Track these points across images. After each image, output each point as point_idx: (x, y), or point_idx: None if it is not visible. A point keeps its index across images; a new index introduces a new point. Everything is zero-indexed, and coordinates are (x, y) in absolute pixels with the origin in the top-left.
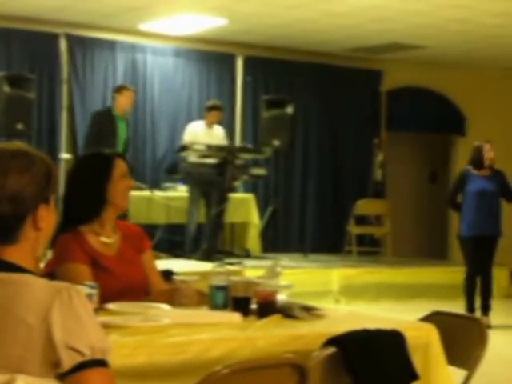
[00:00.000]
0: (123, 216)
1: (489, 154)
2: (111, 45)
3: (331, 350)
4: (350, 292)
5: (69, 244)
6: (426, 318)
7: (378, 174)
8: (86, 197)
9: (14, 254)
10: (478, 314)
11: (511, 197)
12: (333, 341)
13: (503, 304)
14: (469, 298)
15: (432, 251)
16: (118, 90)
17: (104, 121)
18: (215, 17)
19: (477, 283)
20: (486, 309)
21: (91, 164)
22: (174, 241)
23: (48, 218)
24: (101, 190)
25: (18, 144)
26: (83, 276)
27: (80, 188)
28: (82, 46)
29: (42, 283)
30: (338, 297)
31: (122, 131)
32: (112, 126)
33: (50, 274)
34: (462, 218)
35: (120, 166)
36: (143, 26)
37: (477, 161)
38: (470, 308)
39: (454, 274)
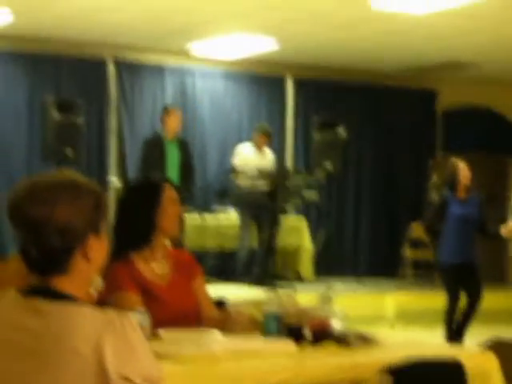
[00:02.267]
0: (179, 245)
1: (465, 172)
2: (160, 69)
3: (387, 379)
4: (406, 317)
5: (120, 273)
6: (485, 345)
7: (433, 196)
8: (136, 224)
9: (65, 284)
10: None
11: (482, 228)
12: (389, 370)
13: None
14: (453, 326)
15: (490, 275)
16: (166, 112)
17: (153, 147)
18: (265, 39)
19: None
20: (459, 337)
21: (140, 191)
22: (225, 266)
23: (99, 247)
24: (151, 216)
25: (66, 173)
26: (134, 304)
27: (130, 215)
28: (130, 70)
29: (94, 312)
30: (393, 322)
31: (174, 155)
32: (161, 152)
33: (102, 302)
34: (442, 244)
35: (168, 192)
36: (192, 50)
37: (453, 182)
38: (455, 337)
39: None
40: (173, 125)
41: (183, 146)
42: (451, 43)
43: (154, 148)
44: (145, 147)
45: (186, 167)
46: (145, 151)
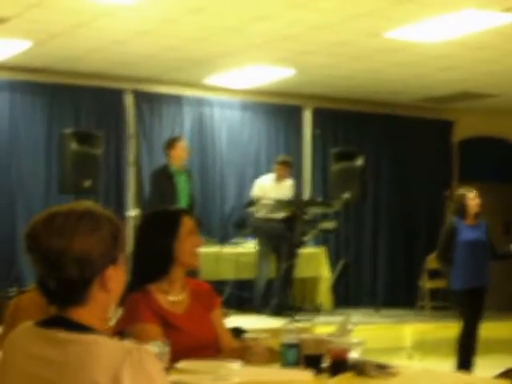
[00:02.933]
0: (194, 273)
1: (473, 201)
2: (177, 99)
3: None
4: (424, 348)
5: (138, 303)
6: (503, 375)
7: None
8: (154, 255)
9: (83, 315)
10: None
11: (492, 251)
12: None
13: None
14: (467, 355)
15: (510, 304)
16: (169, 144)
17: (162, 178)
18: (282, 69)
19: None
20: (468, 367)
21: (158, 222)
22: (243, 297)
23: (117, 278)
24: (168, 248)
25: (85, 204)
26: (153, 336)
27: (148, 247)
28: (148, 101)
29: (112, 343)
30: (411, 353)
31: (183, 185)
32: (170, 182)
33: (120, 333)
34: (454, 270)
35: (187, 224)
36: (209, 80)
37: (462, 210)
38: (467, 365)
39: None
40: (180, 154)
41: (190, 176)
42: (466, 73)
43: (163, 178)
44: (153, 178)
45: (192, 198)
46: (155, 183)
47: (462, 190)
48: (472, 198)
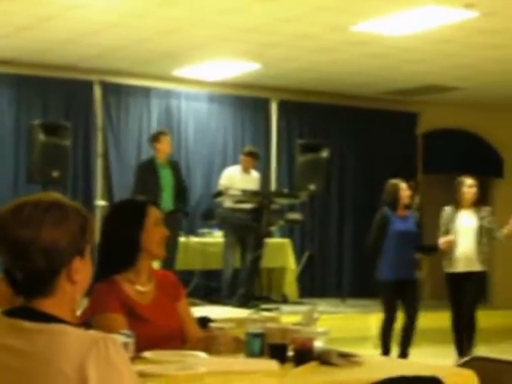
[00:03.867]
0: (170, 265)
1: (405, 192)
2: (145, 91)
3: None
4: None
5: (104, 293)
6: (466, 364)
7: (415, 216)
8: (121, 246)
9: (50, 306)
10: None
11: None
12: None
13: None
14: (385, 344)
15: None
16: (155, 138)
17: (146, 171)
18: (248, 62)
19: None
20: (404, 356)
21: (125, 212)
22: (210, 287)
23: (83, 270)
24: (135, 239)
25: (52, 195)
26: (118, 325)
27: (115, 237)
28: (116, 93)
29: (79, 333)
30: (376, 342)
31: (167, 178)
32: (154, 176)
33: (86, 323)
34: (383, 260)
35: (153, 214)
36: (177, 73)
37: (394, 201)
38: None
39: (494, 317)
40: (165, 148)
41: (175, 167)
42: (430, 67)
43: (148, 172)
44: (138, 172)
45: (180, 188)
46: (139, 176)
47: (394, 181)
48: (404, 189)
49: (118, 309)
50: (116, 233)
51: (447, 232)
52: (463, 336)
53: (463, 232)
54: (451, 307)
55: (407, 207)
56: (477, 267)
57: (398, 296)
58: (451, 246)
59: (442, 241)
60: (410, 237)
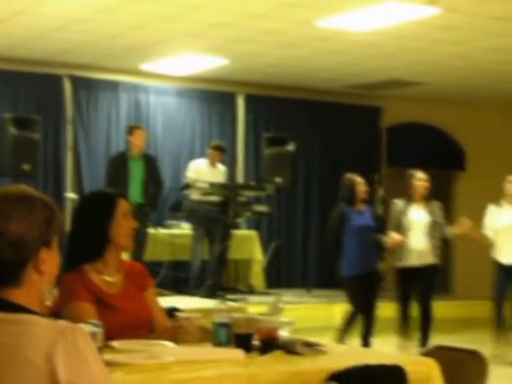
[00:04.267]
0: (139, 257)
1: (362, 187)
2: (114, 86)
3: None
4: (354, 327)
5: (73, 283)
6: (427, 353)
7: (378, 210)
8: (89, 237)
9: (18, 296)
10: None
11: (381, 228)
12: (334, 376)
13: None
14: (343, 336)
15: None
16: (129, 131)
17: (117, 164)
18: (216, 57)
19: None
20: (367, 346)
21: (94, 204)
22: (178, 278)
23: (51, 261)
24: (104, 230)
25: (20, 188)
26: (87, 315)
27: (83, 228)
28: (85, 87)
29: (47, 323)
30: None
31: (138, 172)
32: (125, 169)
33: (56, 313)
34: (344, 256)
35: (122, 206)
36: (145, 67)
37: (350, 196)
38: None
39: (457, 307)
40: (138, 142)
41: (150, 161)
42: (394, 62)
43: (118, 165)
44: (109, 165)
45: (155, 182)
46: (109, 169)
47: (350, 176)
48: (360, 184)
49: (86, 298)
50: (85, 224)
51: (398, 226)
52: (409, 328)
53: (415, 226)
54: (400, 300)
55: (364, 202)
56: (430, 260)
57: (362, 290)
58: (399, 244)
59: (390, 240)
60: (369, 231)
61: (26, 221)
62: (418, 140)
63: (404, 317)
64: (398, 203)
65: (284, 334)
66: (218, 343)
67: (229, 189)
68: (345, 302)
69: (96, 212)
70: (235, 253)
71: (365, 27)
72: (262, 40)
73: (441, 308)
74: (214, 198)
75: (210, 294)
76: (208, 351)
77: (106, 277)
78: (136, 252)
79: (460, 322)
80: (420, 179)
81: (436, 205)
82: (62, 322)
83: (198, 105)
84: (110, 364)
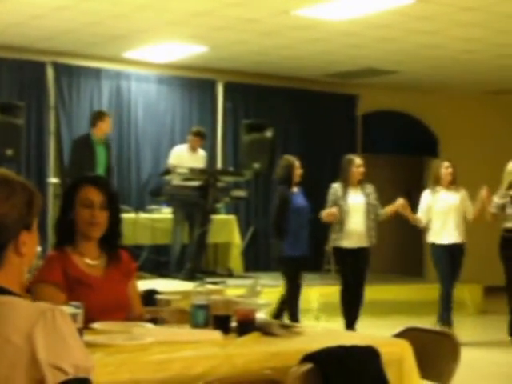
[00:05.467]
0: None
1: (299, 170)
2: (96, 72)
3: (308, 366)
4: (330, 309)
5: (50, 262)
6: (400, 334)
7: None
8: (58, 222)
9: None
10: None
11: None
12: (309, 357)
13: (478, 320)
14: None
15: (407, 269)
16: (100, 117)
17: (83, 147)
18: (196, 44)
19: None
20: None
21: (64, 190)
22: (158, 261)
23: (30, 243)
24: (66, 217)
25: (0, 171)
26: (51, 297)
27: (60, 213)
28: (68, 73)
29: (27, 304)
30: (318, 314)
31: (102, 155)
32: (91, 152)
33: (28, 290)
34: (288, 237)
35: (82, 195)
36: (127, 54)
37: (288, 178)
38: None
39: (428, 290)
40: (105, 128)
41: (108, 147)
42: (370, 51)
43: (85, 147)
44: (74, 147)
45: (108, 168)
46: (74, 151)
47: (288, 157)
48: (298, 167)
49: (56, 280)
50: (61, 209)
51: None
52: (352, 308)
53: (353, 209)
54: (341, 280)
55: (297, 184)
56: (366, 243)
57: (301, 270)
58: (334, 218)
59: (325, 213)
60: (307, 211)
61: (5, 204)
62: (392, 127)
63: (344, 298)
64: (335, 187)
65: (261, 315)
66: (197, 324)
67: (208, 174)
68: (321, 285)
69: (63, 198)
70: (214, 237)
71: (341, 16)
72: (241, 28)
73: (413, 291)
74: (194, 183)
75: (190, 277)
76: (186, 332)
77: (88, 259)
78: None
79: (431, 304)
80: (357, 165)
81: (370, 187)
82: (41, 304)
83: (179, 92)
84: (90, 345)
